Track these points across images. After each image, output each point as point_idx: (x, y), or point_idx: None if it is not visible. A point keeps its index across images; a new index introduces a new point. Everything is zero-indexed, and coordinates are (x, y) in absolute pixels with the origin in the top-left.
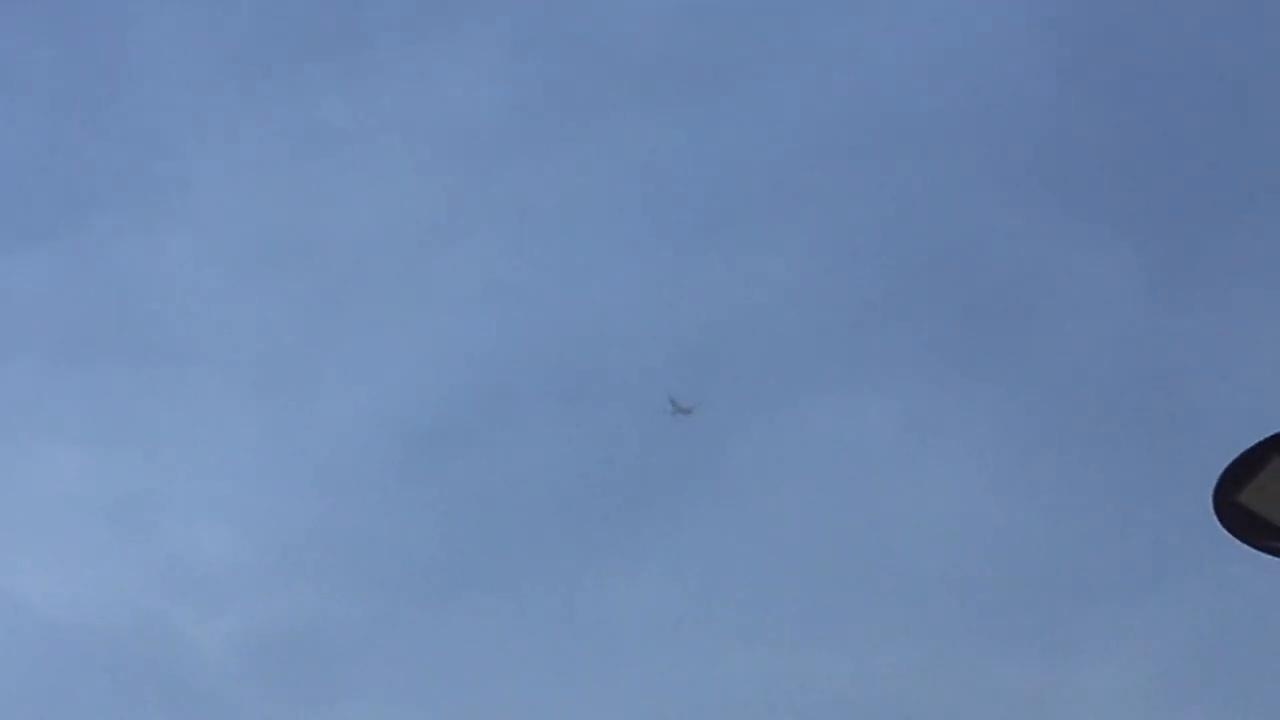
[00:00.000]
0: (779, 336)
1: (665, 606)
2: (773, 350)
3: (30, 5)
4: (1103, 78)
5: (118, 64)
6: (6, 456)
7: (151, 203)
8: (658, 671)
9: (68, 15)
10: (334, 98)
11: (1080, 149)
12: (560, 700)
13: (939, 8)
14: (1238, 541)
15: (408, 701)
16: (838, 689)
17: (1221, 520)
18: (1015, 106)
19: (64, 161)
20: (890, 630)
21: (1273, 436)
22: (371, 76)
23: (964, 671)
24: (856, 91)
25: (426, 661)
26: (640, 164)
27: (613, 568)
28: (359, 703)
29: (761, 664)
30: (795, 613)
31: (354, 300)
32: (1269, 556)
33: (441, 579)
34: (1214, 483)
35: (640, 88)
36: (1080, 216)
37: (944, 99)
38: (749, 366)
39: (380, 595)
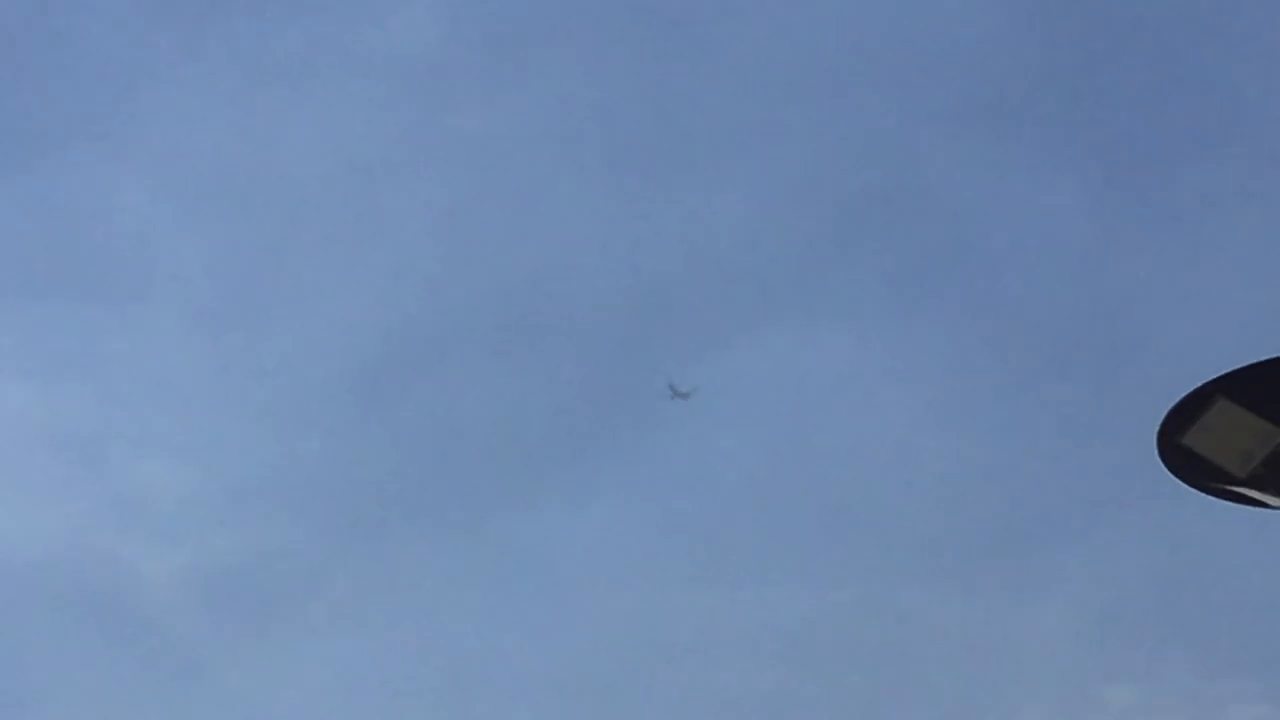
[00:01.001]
0: (728, 272)
1: (616, 541)
2: (722, 286)
3: None
4: (1051, 11)
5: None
6: None
7: (100, 139)
8: (608, 606)
9: None
10: (283, 34)
11: (1028, 83)
12: (509, 633)
13: None
14: (1181, 483)
15: (357, 634)
16: (787, 625)
17: (1165, 462)
18: (963, 41)
19: (12, 98)
20: (840, 566)
21: (1216, 379)
22: (321, 12)
23: (912, 608)
24: (805, 28)
25: (376, 594)
26: (591, 101)
27: (562, 502)
28: (309, 635)
29: (712, 599)
30: (746, 548)
31: (303, 236)
32: (1212, 497)
33: (391, 513)
34: (1158, 423)
35: (592, 24)
36: (1029, 150)
37: (893, 35)
38: (698, 303)
39: (329, 529)
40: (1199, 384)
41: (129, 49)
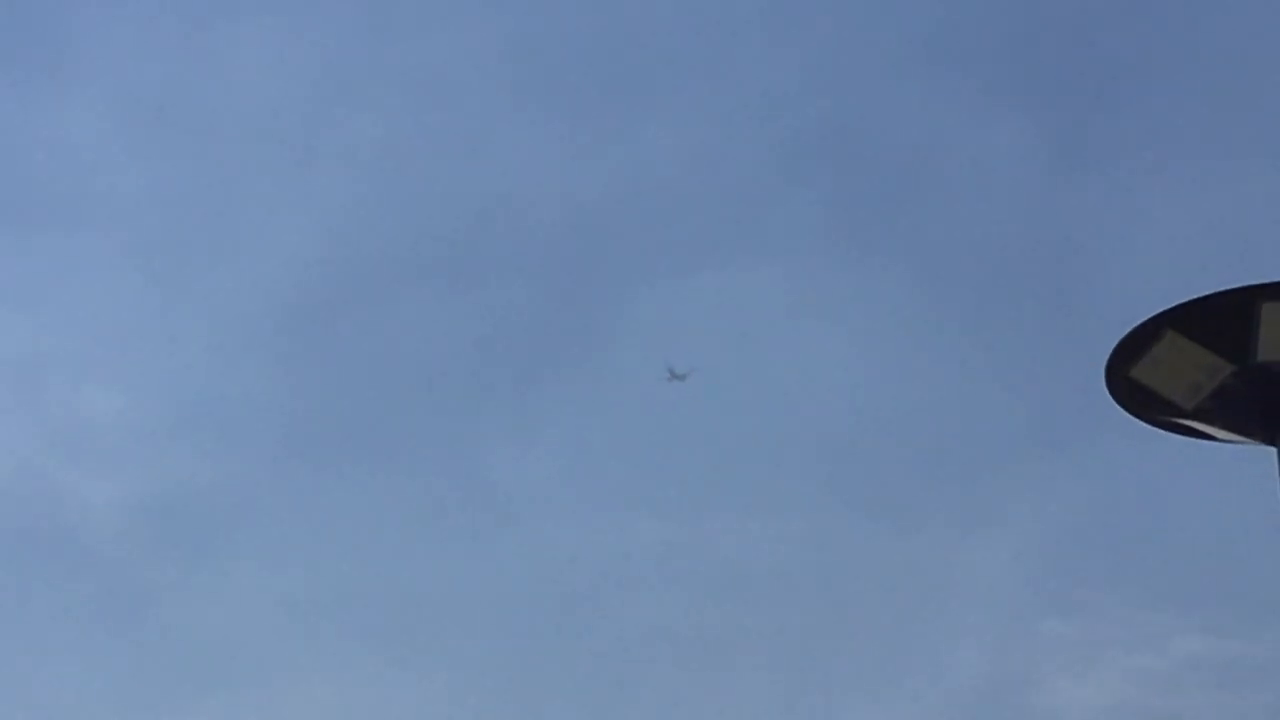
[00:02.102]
0: (669, 208)
1: (558, 474)
2: (663, 222)
3: None
4: None
5: None
6: None
7: (38, 64)
8: (550, 538)
9: None
10: None
11: (973, 21)
12: (453, 564)
13: None
14: (1129, 415)
15: (294, 565)
16: (730, 558)
17: (1113, 394)
18: None
19: None
20: (782, 500)
21: (1165, 311)
22: None
23: (855, 541)
24: None
25: (313, 526)
26: (533, 32)
27: (505, 435)
28: (245, 564)
29: (652, 533)
30: (686, 482)
31: (245, 166)
32: (1159, 430)
33: (334, 444)
34: (1106, 356)
35: None
36: (976, 88)
37: None
38: (638, 238)
39: (273, 459)
40: (1147, 317)
41: None
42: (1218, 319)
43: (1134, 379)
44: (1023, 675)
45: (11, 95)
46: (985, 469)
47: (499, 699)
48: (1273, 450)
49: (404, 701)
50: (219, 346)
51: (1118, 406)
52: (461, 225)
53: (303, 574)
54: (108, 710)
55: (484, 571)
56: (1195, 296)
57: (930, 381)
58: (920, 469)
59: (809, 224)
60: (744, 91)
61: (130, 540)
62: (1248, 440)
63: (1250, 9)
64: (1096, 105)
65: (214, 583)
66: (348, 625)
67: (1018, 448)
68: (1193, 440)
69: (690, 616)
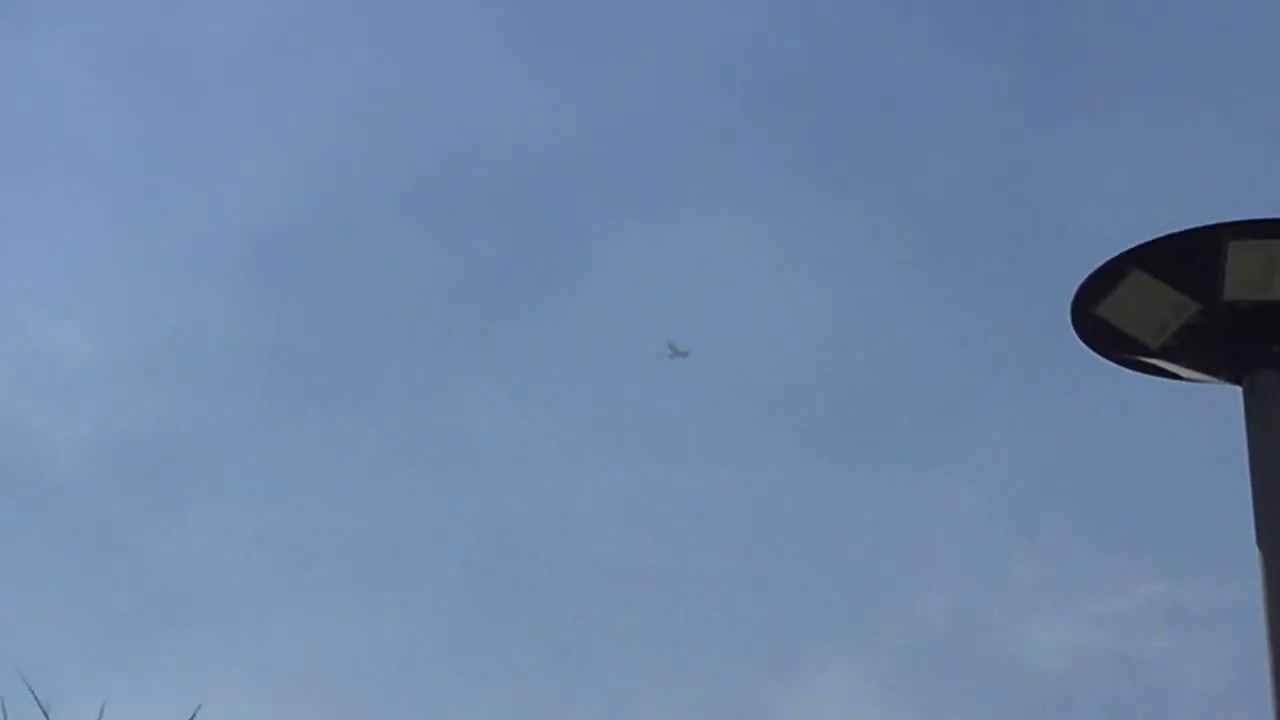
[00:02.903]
0: (641, 151)
1: (524, 419)
2: (635, 165)
3: None
4: None
5: None
6: None
7: (4, 3)
8: (516, 485)
9: None
10: None
11: None
12: (422, 506)
13: None
14: (1095, 354)
15: (264, 504)
16: (698, 504)
17: (1079, 332)
18: None
19: None
20: (751, 443)
21: (1131, 249)
22: None
23: (823, 485)
24: None
25: (283, 466)
26: None
27: (471, 379)
28: (214, 503)
29: (622, 477)
30: (656, 427)
31: (215, 105)
32: (1125, 369)
33: (299, 385)
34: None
35: None
36: (945, 31)
37: None
38: (610, 181)
39: (237, 400)
40: (1113, 255)
41: None
42: (1184, 257)
43: (1099, 317)
44: (989, 618)
45: None
46: (953, 411)
47: (469, 639)
48: (1238, 390)
49: (374, 641)
50: (188, 286)
51: (1083, 345)
52: (434, 167)
53: (272, 513)
54: (75, 647)
55: (455, 513)
56: (1162, 234)
57: (898, 324)
58: (888, 412)
59: (780, 167)
60: (715, 34)
61: (98, 479)
62: (1213, 379)
63: None
64: (1066, 47)
65: (182, 521)
66: (318, 564)
67: (985, 389)
68: (1159, 380)
69: (659, 561)
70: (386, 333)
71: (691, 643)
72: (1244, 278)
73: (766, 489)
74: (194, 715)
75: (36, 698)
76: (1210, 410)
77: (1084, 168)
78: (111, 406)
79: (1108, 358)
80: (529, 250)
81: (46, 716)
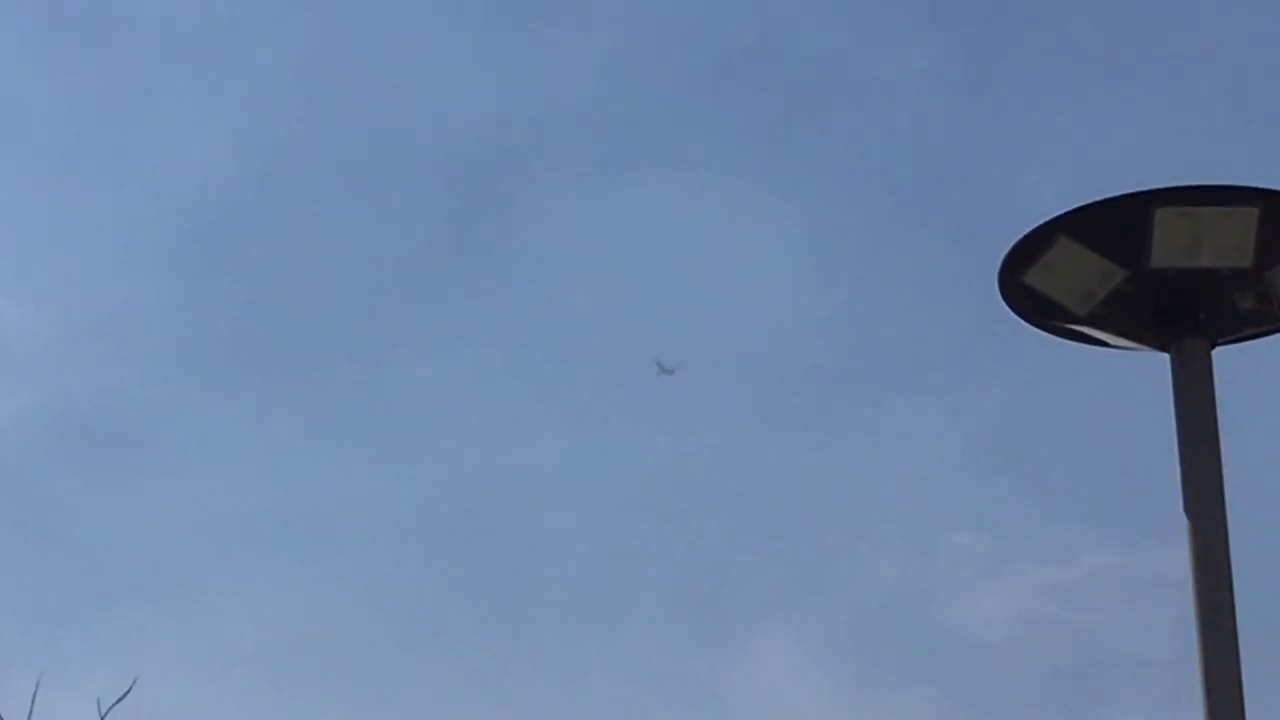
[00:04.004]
0: (585, 123)
1: (470, 388)
2: (578, 137)
3: None
4: None
5: None
6: None
7: None
8: (460, 452)
9: None
10: None
11: None
12: (361, 478)
13: None
14: (1024, 323)
15: (205, 477)
16: (640, 471)
17: (1007, 301)
18: None
19: None
20: (693, 413)
21: (1059, 216)
22: None
23: (764, 457)
24: None
25: (229, 439)
26: None
27: (416, 349)
28: (161, 478)
29: (562, 448)
30: (596, 398)
31: (153, 80)
32: (1055, 338)
33: (244, 358)
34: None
35: None
36: (891, 4)
37: None
38: (550, 154)
39: (183, 373)
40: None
41: None
42: (1112, 225)
43: (1028, 285)
44: (931, 588)
45: None
46: (893, 382)
47: (410, 609)
48: (1166, 357)
49: (315, 610)
50: (130, 261)
51: (1013, 314)
52: (375, 142)
53: (213, 485)
54: (18, 621)
55: (394, 485)
56: (1089, 201)
57: (840, 296)
58: (829, 384)
59: (719, 140)
60: (659, 6)
61: (38, 453)
62: (1141, 346)
63: None
64: (1010, 21)
65: (124, 495)
66: (259, 536)
67: (925, 360)
68: (1089, 348)
69: (599, 532)
70: (327, 306)
71: (634, 611)
72: (1171, 245)
73: (707, 460)
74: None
75: None
76: (1141, 378)
77: (1021, 138)
78: (54, 380)
79: (1036, 325)
80: (469, 223)
81: None
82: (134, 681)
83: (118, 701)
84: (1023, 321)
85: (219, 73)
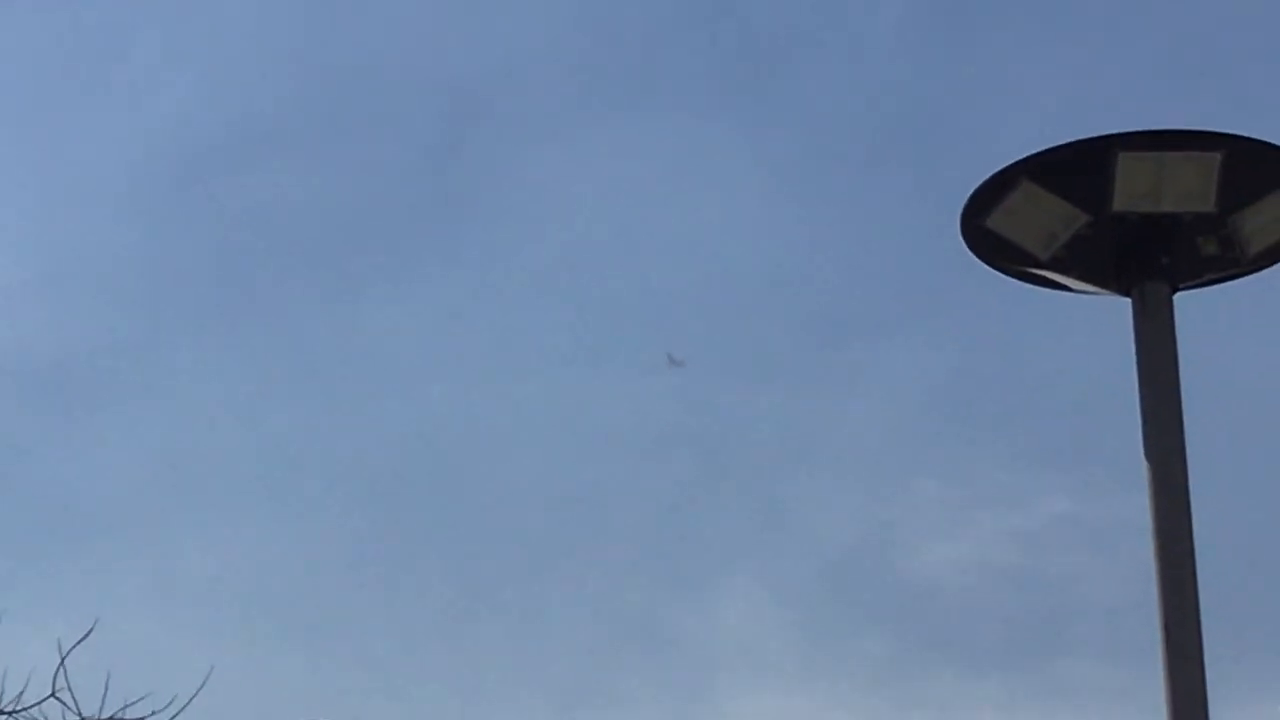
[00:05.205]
0: (553, 68)
1: (434, 334)
2: (546, 82)
3: None
4: None
5: None
6: None
7: None
8: (424, 398)
9: None
10: None
11: None
12: (326, 424)
13: None
14: (986, 267)
15: (166, 421)
16: (603, 421)
17: (969, 244)
18: None
19: None
20: (648, 360)
21: (1021, 160)
22: None
23: (727, 403)
24: None
25: (184, 383)
26: None
27: (373, 299)
28: (115, 421)
29: (528, 392)
30: (562, 344)
31: (111, 22)
32: (1016, 281)
33: (208, 304)
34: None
35: None
36: None
37: None
38: (522, 97)
39: (147, 318)
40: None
41: None
42: (1074, 169)
43: (989, 229)
44: (892, 535)
45: None
46: (857, 327)
47: (373, 555)
48: (1128, 301)
49: (277, 556)
50: (94, 202)
51: (975, 258)
52: (339, 86)
53: (173, 429)
54: None
55: (357, 428)
56: (1051, 146)
57: (800, 242)
58: (794, 329)
59: (684, 89)
60: None
61: (3, 397)
62: (1103, 291)
63: None
64: None
65: (82, 437)
66: (219, 481)
67: (889, 305)
68: (1051, 292)
69: (561, 476)
70: (291, 250)
71: (597, 558)
72: (1133, 189)
73: (670, 406)
74: (91, 629)
75: None
76: (1104, 324)
77: (990, 83)
78: (7, 324)
79: (998, 269)
80: (435, 169)
81: None
82: (94, 623)
83: (78, 643)
84: (985, 265)
85: (187, 16)
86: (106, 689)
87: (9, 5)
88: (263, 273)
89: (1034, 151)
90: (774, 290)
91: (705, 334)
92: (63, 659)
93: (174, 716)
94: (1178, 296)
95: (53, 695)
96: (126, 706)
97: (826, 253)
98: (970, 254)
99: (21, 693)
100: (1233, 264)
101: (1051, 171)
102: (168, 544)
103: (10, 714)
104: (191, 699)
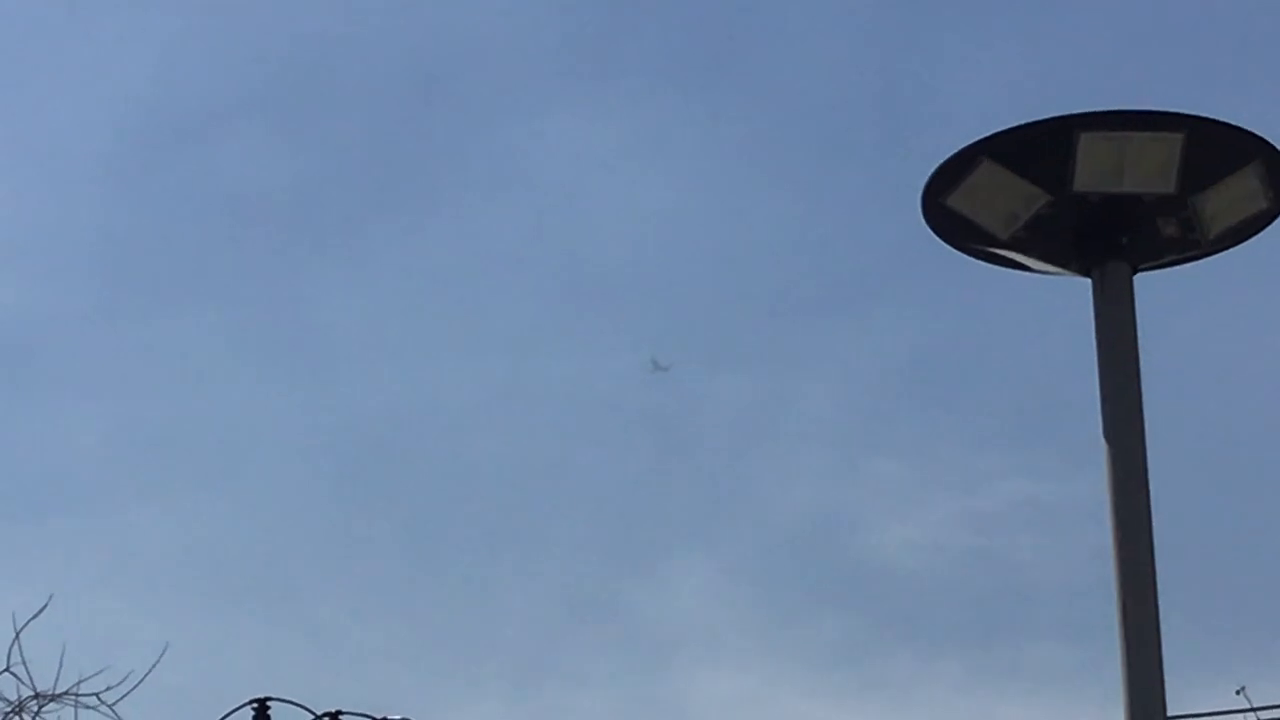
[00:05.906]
0: (511, 43)
1: (381, 316)
2: (504, 57)
3: None
4: None
5: None
6: None
7: None
8: (374, 378)
9: None
10: None
11: None
12: (283, 401)
13: None
14: (946, 246)
15: (118, 397)
16: (558, 399)
17: (930, 223)
18: None
19: None
20: (615, 337)
21: (982, 139)
22: None
23: (685, 383)
24: None
25: (137, 359)
26: None
27: (328, 277)
28: (67, 395)
29: (482, 372)
30: (515, 323)
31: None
32: (977, 261)
33: (165, 279)
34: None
35: None
36: None
37: None
38: (479, 73)
39: (91, 292)
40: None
41: None
42: (1035, 148)
43: (950, 208)
44: (849, 515)
45: None
46: (816, 306)
47: (328, 531)
48: (1087, 281)
49: (232, 531)
50: (52, 177)
51: (935, 237)
52: (295, 63)
53: (128, 404)
54: None
55: (312, 407)
56: (1013, 125)
57: (758, 222)
58: (752, 307)
59: (644, 67)
60: None
61: None
62: (1063, 271)
63: None
64: None
65: (35, 412)
66: (175, 456)
67: (848, 284)
68: (1011, 272)
69: (516, 454)
70: (243, 228)
71: (551, 535)
72: (1094, 169)
73: (627, 385)
74: (46, 604)
75: None
76: (1063, 304)
77: (946, 60)
78: None
79: (958, 249)
80: (389, 148)
81: None
82: (50, 598)
83: (33, 617)
84: (945, 245)
85: None
86: (61, 664)
87: None
88: (226, 247)
89: (995, 131)
90: (734, 269)
91: (666, 313)
92: (17, 633)
93: (129, 692)
94: (1138, 277)
95: (7, 670)
96: (81, 681)
97: (787, 231)
98: (931, 233)
99: None
100: (1193, 245)
101: (1012, 151)
102: (122, 519)
103: None
104: (147, 674)
